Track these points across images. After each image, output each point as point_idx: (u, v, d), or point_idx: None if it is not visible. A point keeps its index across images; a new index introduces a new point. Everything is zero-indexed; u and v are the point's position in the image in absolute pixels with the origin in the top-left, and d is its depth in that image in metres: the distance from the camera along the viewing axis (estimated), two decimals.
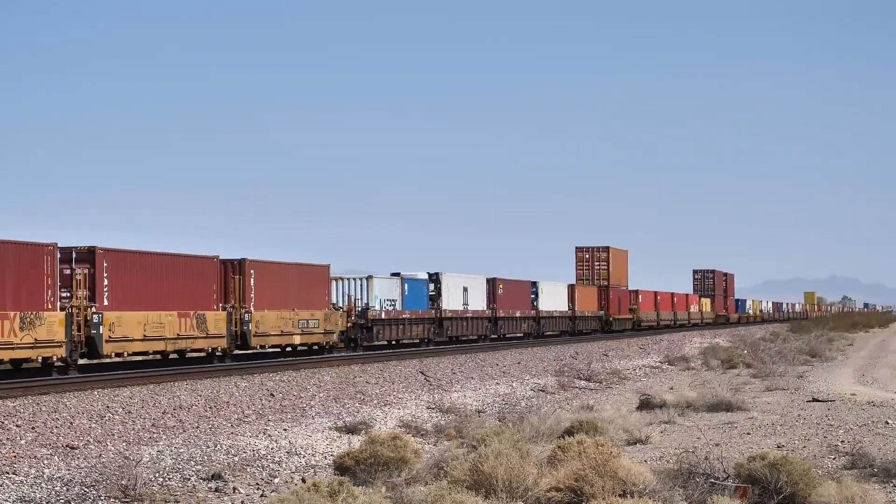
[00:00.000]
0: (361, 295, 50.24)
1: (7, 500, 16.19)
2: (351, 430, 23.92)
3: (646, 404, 27.89)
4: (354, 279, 50.77)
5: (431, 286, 57.56)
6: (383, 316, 51.05)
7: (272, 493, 17.22)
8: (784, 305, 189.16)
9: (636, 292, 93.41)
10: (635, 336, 79.30)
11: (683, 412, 26.34)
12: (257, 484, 18.50)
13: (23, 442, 20.12)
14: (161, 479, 17.98)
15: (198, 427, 23.32)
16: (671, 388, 33.93)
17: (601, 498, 14.04)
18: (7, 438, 20.27)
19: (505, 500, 14.45)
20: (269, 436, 22.94)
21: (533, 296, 70.60)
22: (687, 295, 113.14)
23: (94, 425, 22.32)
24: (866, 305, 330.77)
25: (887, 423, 23.98)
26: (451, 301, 58.31)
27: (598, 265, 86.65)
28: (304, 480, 17.33)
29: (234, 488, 17.90)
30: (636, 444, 21.38)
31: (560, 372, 41.85)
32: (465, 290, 60.26)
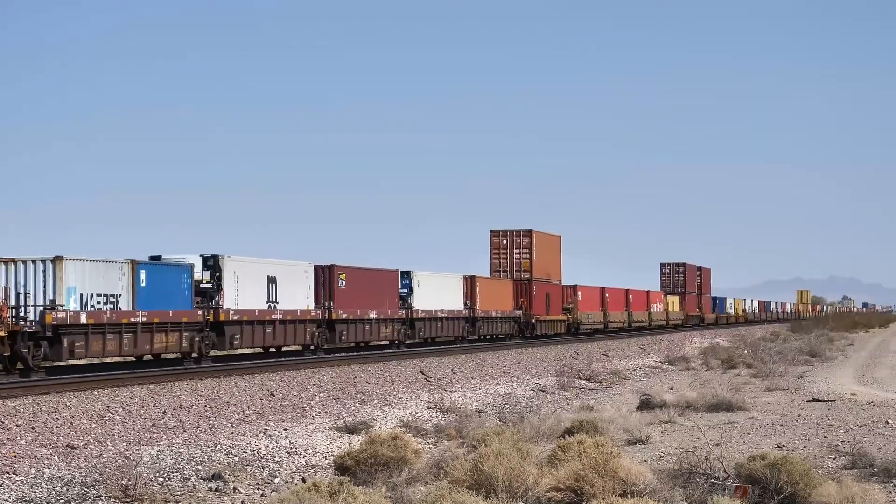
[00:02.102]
0: (44, 287, 32.12)
1: (7, 500, 16.19)
2: (351, 430, 23.93)
3: (646, 404, 27.91)
4: (27, 262, 32.21)
5: (205, 275, 39.05)
6: (84, 319, 32.27)
7: (272, 493, 17.23)
8: (772, 305, 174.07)
9: (573, 288, 75.73)
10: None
11: (683, 412, 26.36)
12: (257, 484, 18.51)
13: (23, 442, 20.12)
14: (161, 479, 18.00)
15: (198, 427, 23.33)
16: (671, 388, 33.95)
17: (601, 498, 14.05)
18: (7, 438, 20.27)
19: (505, 500, 14.45)
20: (270, 436, 22.95)
21: (405, 290, 52.29)
22: (647, 292, 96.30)
23: (94, 425, 22.33)
24: (865, 305, 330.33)
25: (887, 423, 23.99)
26: (242, 297, 40.02)
27: (519, 253, 67.66)
28: (304, 480, 17.34)
29: (235, 488, 17.92)
30: (636, 444, 21.39)
31: (560, 372, 41.89)
32: (273, 281, 42.30)
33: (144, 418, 23.70)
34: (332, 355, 43.51)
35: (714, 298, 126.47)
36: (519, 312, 65.47)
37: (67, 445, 20.13)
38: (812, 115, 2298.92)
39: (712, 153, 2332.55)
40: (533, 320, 66.89)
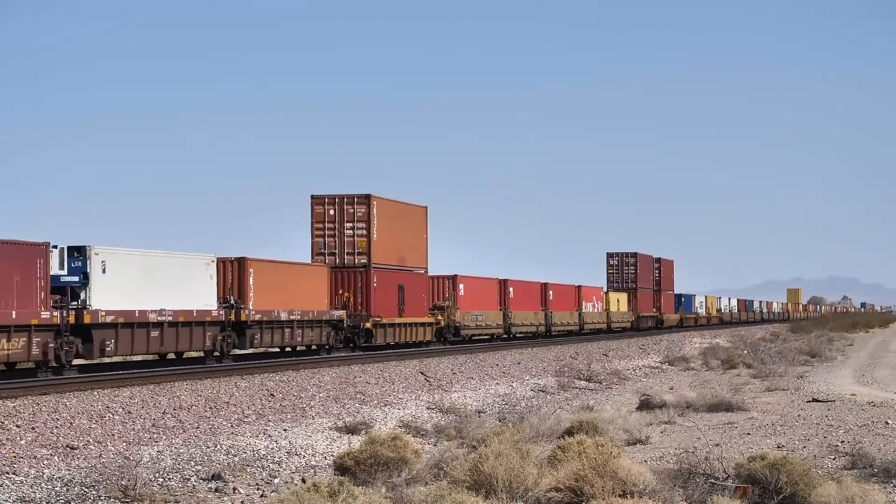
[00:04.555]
0: None
1: (7, 500, 16.20)
2: (351, 430, 23.95)
3: (646, 404, 27.92)
4: None
5: None
6: None
7: (272, 494, 17.24)
8: (755, 304, 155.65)
9: (452, 279, 56.78)
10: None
11: (683, 412, 26.36)
12: (257, 484, 18.53)
13: (23, 442, 20.12)
14: (161, 480, 18.00)
15: (198, 427, 23.33)
16: (671, 389, 33.96)
17: (601, 498, 14.06)
18: (7, 438, 20.28)
19: (505, 500, 14.45)
20: (269, 436, 22.95)
21: (73, 279, 32.57)
22: (578, 287, 77.40)
23: (94, 425, 22.33)
24: (863, 305, 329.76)
25: (887, 423, 23.99)
26: None
27: (352, 228, 47.76)
28: (304, 480, 17.36)
29: (234, 488, 17.92)
30: (636, 444, 21.40)
31: (560, 372, 41.91)
32: None
33: (144, 418, 23.70)
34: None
35: (678, 296, 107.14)
36: (340, 313, 45.18)
37: (67, 446, 20.14)
38: (812, 115, 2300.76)
39: (712, 153, 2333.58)
40: (369, 324, 46.77)
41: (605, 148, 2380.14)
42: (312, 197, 48.52)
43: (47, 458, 18.98)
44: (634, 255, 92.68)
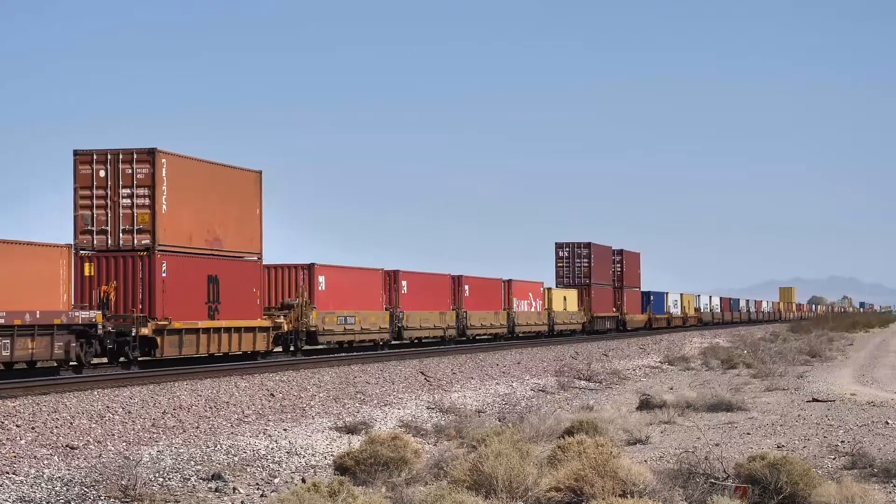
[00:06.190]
0: None
1: (7, 500, 16.20)
2: (351, 430, 23.95)
3: (646, 404, 27.92)
4: None
5: None
6: None
7: (272, 493, 17.24)
8: (741, 303, 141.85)
9: (308, 269, 44.17)
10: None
11: (683, 412, 26.36)
12: (257, 484, 18.53)
13: (23, 442, 20.13)
14: (161, 479, 18.01)
15: (198, 427, 23.34)
16: (671, 388, 33.97)
17: (601, 498, 14.07)
18: (7, 438, 20.28)
19: (505, 500, 14.47)
20: (269, 436, 22.96)
21: None
22: (507, 281, 65.47)
23: (94, 425, 22.34)
24: (862, 305, 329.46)
25: (887, 423, 23.99)
26: None
27: (130, 196, 34.67)
28: (304, 480, 17.35)
29: (234, 488, 17.93)
30: (636, 444, 21.40)
31: (560, 372, 41.92)
32: None
33: (144, 418, 23.70)
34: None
35: (646, 294, 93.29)
36: (90, 315, 31.71)
37: (67, 445, 20.14)
38: (812, 115, 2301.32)
39: (713, 153, 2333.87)
40: (147, 330, 33.95)
41: (604, 147, 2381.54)
42: (76, 153, 35.20)
43: (47, 458, 18.98)
44: (588, 245, 78.99)
